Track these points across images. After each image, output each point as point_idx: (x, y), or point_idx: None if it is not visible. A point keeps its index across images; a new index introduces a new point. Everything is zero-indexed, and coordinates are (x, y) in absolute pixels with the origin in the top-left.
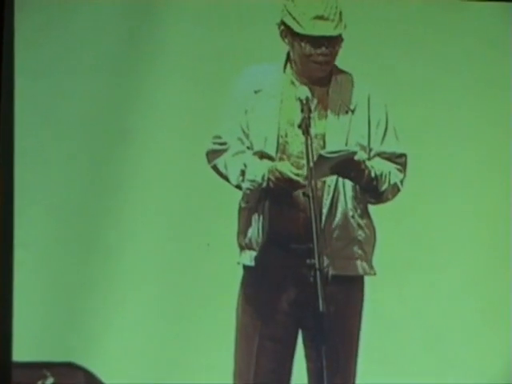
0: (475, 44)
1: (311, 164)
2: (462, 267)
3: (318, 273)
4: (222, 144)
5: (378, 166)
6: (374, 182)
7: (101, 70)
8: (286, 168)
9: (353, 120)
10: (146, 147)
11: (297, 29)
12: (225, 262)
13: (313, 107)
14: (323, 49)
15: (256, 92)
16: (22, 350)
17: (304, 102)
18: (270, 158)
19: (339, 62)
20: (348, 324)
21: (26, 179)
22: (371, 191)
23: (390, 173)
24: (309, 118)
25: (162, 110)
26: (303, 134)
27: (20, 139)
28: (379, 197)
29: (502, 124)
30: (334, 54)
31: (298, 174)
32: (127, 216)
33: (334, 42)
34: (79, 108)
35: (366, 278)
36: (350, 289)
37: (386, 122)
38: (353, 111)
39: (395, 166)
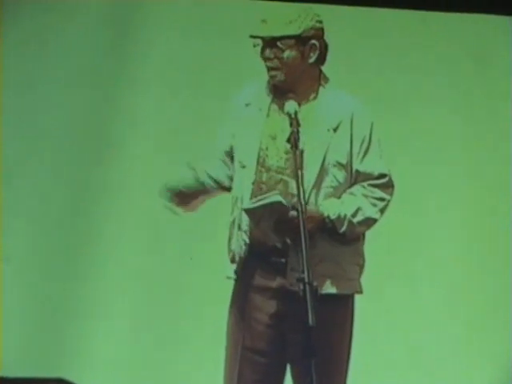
0: (470, 57)
1: (299, 179)
2: (449, 281)
3: (307, 286)
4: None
5: (336, 207)
6: (329, 225)
7: (86, 83)
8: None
9: (334, 138)
10: (129, 160)
11: (251, 33)
12: (208, 274)
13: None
14: (267, 51)
15: (247, 105)
16: (7, 365)
17: (293, 115)
18: (228, 190)
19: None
20: (334, 340)
21: (10, 193)
22: (327, 232)
23: (356, 211)
24: (297, 131)
25: (148, 123)
26: (291, 148)
27: (3, 152)
28: (341, 237)
29: (498, 138)
30: (285, 61)
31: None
32: (110, 229)
33: (274, 45)
34: (64, 121)
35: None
36: (336, 305)
37: (370, 139)
38: (335, 129)
39: (371, 195)
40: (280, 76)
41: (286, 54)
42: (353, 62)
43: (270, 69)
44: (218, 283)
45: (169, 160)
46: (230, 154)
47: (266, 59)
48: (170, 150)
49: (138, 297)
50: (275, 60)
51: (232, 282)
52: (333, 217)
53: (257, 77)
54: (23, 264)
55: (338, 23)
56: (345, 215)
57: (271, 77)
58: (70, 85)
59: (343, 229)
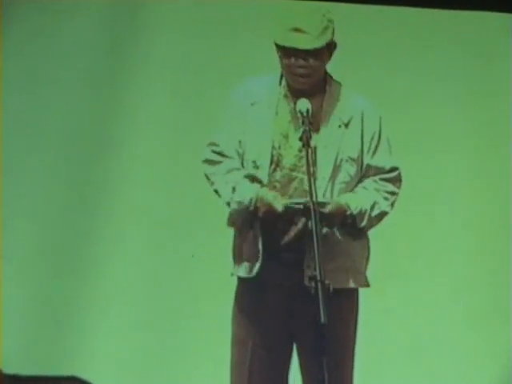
0: (472, 55)
1: (312, 176)
2: (452, 279)
3: (319, 284)
4: (218, 154)
5: (356, 201)
6: (349, 221)
7: (87, 82)
8: (273, 199)
9: (345, 134)
10: (131, 158)
11: (276, 39)
12: (210, 273)
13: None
14: (300, 61)
15: (252, 104)
16: (8, 365)
17: (304, 114)
18: (260, 183)
19: (333, 74)
20: (341, 334)
21: (10, 192)
22: (348, 228)
23: (373, 205)
24: (309, 130)
25: (148, 123)
26: (303, 146)
27: (4, 151)
28: (359, 232)
29: (499, 136)
30: (315, 67)
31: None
32: (111, 228)
33: (311, 54)
34: (64, 120)
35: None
36: (342, 299)
37: (380, 135)
38: (346, 125)
39: (383, 189)
40: (309, 82)
41: (319, 61)
42: (358, 60)
43: (298, 76)
44: (220, 281)
45: (169, 160)
46: (241, 155)
47: (294, 67)
48: (171, 151)
49: (139, 295)
50: (308, 68)
51: (235, 280)
52: (355, 211)
53: (256, 75)
54: (24, 264)
55: (343, 21)
56: (365, 210)
57: (299, 83)
58: (70, 85)
59: (363, 223)
